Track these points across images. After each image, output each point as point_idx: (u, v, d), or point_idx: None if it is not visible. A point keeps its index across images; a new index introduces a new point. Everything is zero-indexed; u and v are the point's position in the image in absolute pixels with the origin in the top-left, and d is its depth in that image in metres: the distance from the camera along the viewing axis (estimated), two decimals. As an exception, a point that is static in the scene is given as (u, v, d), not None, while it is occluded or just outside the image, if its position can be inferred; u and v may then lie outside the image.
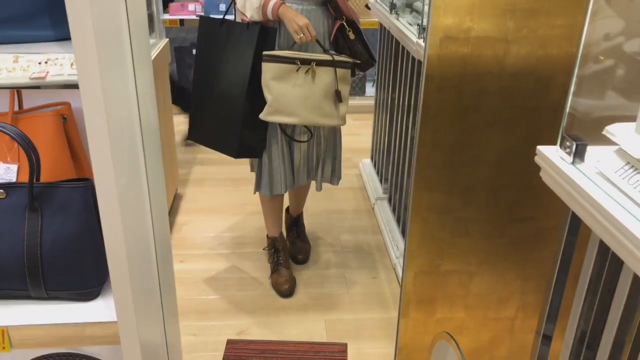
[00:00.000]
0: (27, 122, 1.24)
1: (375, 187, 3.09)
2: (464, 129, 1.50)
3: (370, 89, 4.86)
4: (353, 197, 3.13)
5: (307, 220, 2.69)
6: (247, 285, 2.37)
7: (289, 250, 2.52)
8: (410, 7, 2.48)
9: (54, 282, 1.04)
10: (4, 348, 1.01)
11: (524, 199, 1.59)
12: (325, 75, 1.96)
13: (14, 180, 1.23)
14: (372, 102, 4.59)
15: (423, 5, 2.12)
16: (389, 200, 2.86)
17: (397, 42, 2.57)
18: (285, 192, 2.28)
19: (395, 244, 2.53)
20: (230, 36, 2.04)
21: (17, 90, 1.25)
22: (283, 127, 2.12)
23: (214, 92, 2.09)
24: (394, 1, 2.56)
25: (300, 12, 1.99)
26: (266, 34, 2.00)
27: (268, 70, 1.94)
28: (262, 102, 2.00)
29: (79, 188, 1.03)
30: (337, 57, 1.98)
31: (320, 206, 2.97)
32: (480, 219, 1.62)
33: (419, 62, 2.18)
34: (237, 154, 2.08)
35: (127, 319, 0.98)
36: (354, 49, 2.06)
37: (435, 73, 1.44)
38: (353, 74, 2.15)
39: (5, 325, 1.00)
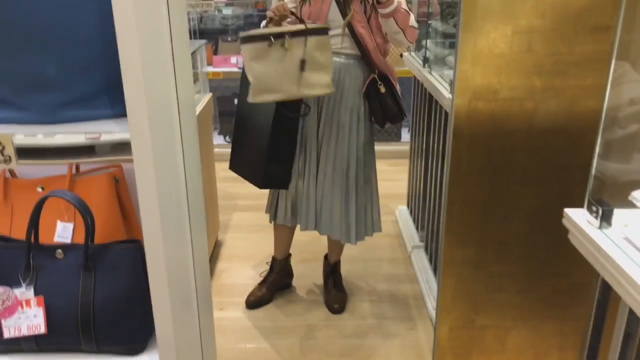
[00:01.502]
0: (83, 184, 1.34)
1: (411, 234, 3.10)
2: (495, 186, 1.53)
3: (405, 135, 4.92)
4: (389, 245, 3.15)
5: (343, 268, 2.72)
6: (284, 333, 2.40)
7: (326, 299, 2.57)
8: (442, 60, 2.55)
9: (104, 336, 1.11)
10: (57, 399, 1.08)
11: (559, 254, 1.59)
12: (301, 46, 1.95)
13: (70, 237, 1.33)
14: (408, 147, 4.64)
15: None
16: (426, 248, 2.86)
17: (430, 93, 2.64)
18: (289, 225, 2.41)
19: (432, 294, 2.53)
20: None
21: (75, 155, 1.37)
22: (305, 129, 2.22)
23: (248, 127, 2.27)
24: (427, 55, 2.64)
25: (337, 65, 2.12)
26: None
27: (245, 52, 1.95)
28: (285, 136, 2.15)
29: (129, 249, 1.11)
30: (310, 26, 1.98)
31: (356, 254, 2.99)
32: (514, 273, 1.63)
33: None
34: (261, 184, 2.24)
35: (171, 375, 1.03)
36: (384, 102, 2.16)
37: (464, 132, 1.49)
38: (382, 126, 2.24)
39: (59, 378, 1.07)
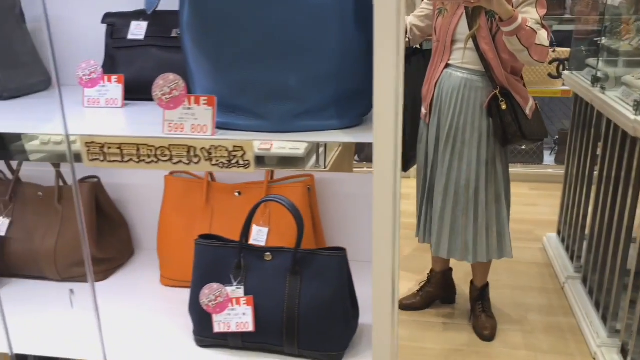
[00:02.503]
0: (278, 191, 1.40)
1: (564, 264, 2.90)
2: None
3: (548, 158, 4.66)
4: (538, 274, 2.97)
5: (490, 294, 2.60)
6: (431, 356, 2.34)
7: (475, 324, 2.48)
8: (616, 80, 2.37)
9: (306, 341, 1.13)
10: (260, 399, 1.12)
11: None
12: None
13: (264, 241, 1.39)
14: (550, 171, 4.40)
15: None
16: (583, 280, 2.66)
17: (599, 114, 2.47)
18: (423, 240, 2.43)
19: (594, 330, 2.34)
20: None
21: (272, 162, 1.43)
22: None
23: None
24: (598, 74, 2.48)
25: (458, 80, 2.15)
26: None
27: None
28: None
29: (336, 257, 1.13)
30: None
31: (502, 280, 2.86)
32: None
33: (632, 138, 2.06)
34: None
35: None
36: (504, 119, 2.11)
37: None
38: (503, 145, 2.19)
39: (264, 378, 1.11)
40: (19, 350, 1.18)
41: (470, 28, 2.09)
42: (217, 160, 0.97)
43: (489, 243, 2.27)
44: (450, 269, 2.65)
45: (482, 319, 2.48)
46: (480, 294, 2.54)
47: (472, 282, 2.58)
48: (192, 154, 0.97)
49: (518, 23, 1.93)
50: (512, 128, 2.10)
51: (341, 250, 1.13)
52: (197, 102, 0.97)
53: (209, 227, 1.41)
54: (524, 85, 2.20)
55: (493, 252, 2.29)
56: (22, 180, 1.52)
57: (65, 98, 1.36)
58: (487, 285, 2.55)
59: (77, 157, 1.04)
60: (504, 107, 2.09)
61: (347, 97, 1.00)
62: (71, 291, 1.17)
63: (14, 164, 1.50)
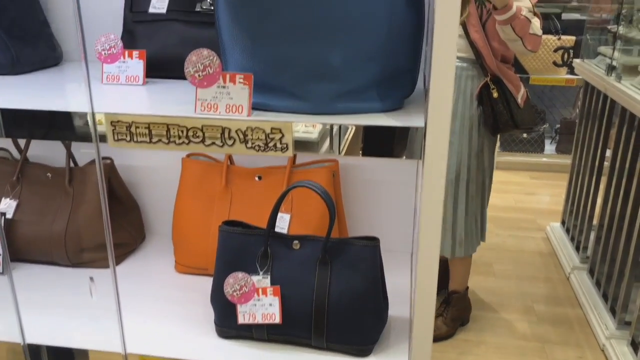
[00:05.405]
0: (301, 176, 1.34)
1: (569, 254, 2.89)
2: None
3: (549, 147, 4.64)
4: (542, 263, 2.96)
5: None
6: (440, 344, 2.31)
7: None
8: (634, 69, 2.34)
9: (335, 334, 1.08)
10: (287, 392, 1.08)
11: None
12: None
13: (286, 228, 1.34)
14: (551, 160, 4.38)
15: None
16: (590, 271, 2.65)
17: (612, 103, 2.43)
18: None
19: (603, 322, 2.32)
20: None
21: (294, 146, 1.37)
22: None
23: None
24: (613, 63, 2.44)
25: None
26: None
27: None
28: None
29: (368, 247, 1.08)
30: None
31: (507, 269, 2.84)
32: None
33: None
34: None
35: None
36: (495, 107, 2.06)
37: None
38: (494, 134, 2.15)
39: (291, 371, 1.06)
40: (31, 340, 1.12)
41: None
42: (253, 143, 0.91)
43: (476, 233, 2.24)
44: (446, 258, 2.59)
45: (436, 322, 2.39)
46: (448, 297, 2.41)
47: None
48: (226, 135, 0.91)
49: (513, 12, 1.86)
50: (503, 117, 2.06)
51: (374, 240, 1.08)
52: (232, 80, 0.91)
53: (228, 213, 1.35)
54: (515, 72, 2.15)
55: (478, 241, 2.26)
56: (29, 160, 1.45)
57: (81, 74, 1.29)
58: (456, 292, 2.38)
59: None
60: (495, 95, 2.04)
61: (391, 78, 0.94)
62: (91, 279, 1.11)
63: (22, 143, 1.43)
